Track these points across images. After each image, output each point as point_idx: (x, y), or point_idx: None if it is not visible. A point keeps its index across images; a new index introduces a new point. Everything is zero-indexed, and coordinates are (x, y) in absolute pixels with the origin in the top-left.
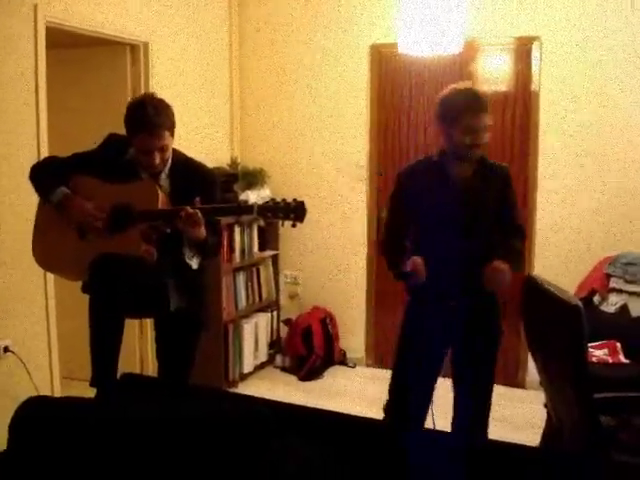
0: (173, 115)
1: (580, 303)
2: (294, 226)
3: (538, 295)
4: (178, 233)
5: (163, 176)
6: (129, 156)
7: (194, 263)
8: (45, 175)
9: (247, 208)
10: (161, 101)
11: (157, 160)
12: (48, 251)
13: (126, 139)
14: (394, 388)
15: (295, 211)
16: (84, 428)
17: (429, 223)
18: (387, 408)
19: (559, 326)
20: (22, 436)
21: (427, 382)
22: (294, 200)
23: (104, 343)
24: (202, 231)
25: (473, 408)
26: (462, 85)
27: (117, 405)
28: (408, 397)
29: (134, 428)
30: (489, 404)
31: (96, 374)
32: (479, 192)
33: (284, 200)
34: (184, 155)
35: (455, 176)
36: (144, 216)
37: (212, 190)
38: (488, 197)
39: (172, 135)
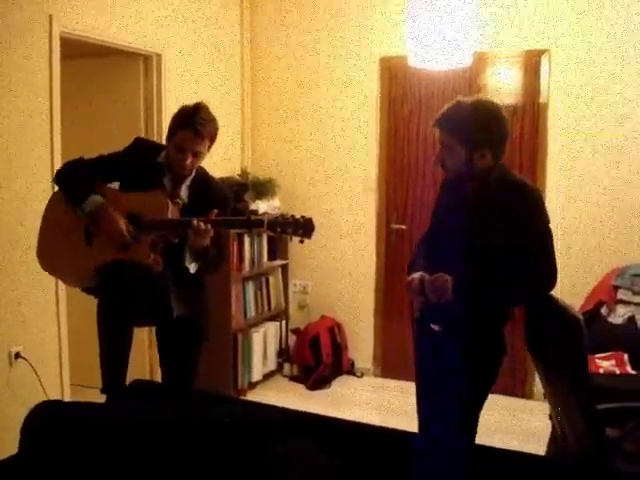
0: (217, 130)
1: (581, 316)
2: (302, 242)
3: (541, 307)
4: (182, 242)
5: (184, 187)
6: (160, 159)
7: (192, 267)
8: (75, 181)
9: (257, 222)
10: (212, 114)
11: (188, 161)
12: (53, 254)
13: (153, 144)
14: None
15: (303, 227)
16: (95, 432)
17: (430, 237)
18: None
19: (560, 339)
20: (33, 440)
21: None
22: (302, 217)
23: (114, 349)
24: (206, 240)
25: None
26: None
27: (127, 410)
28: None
29: (144, 433)
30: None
31: (106, 380)
32: (474, 215)
33: (293, 216)
34: (205, 170)
35: (463, 192)
36: (152, 226)
37: (226, 208)
38: (483, 223)
39: (209, 148)
